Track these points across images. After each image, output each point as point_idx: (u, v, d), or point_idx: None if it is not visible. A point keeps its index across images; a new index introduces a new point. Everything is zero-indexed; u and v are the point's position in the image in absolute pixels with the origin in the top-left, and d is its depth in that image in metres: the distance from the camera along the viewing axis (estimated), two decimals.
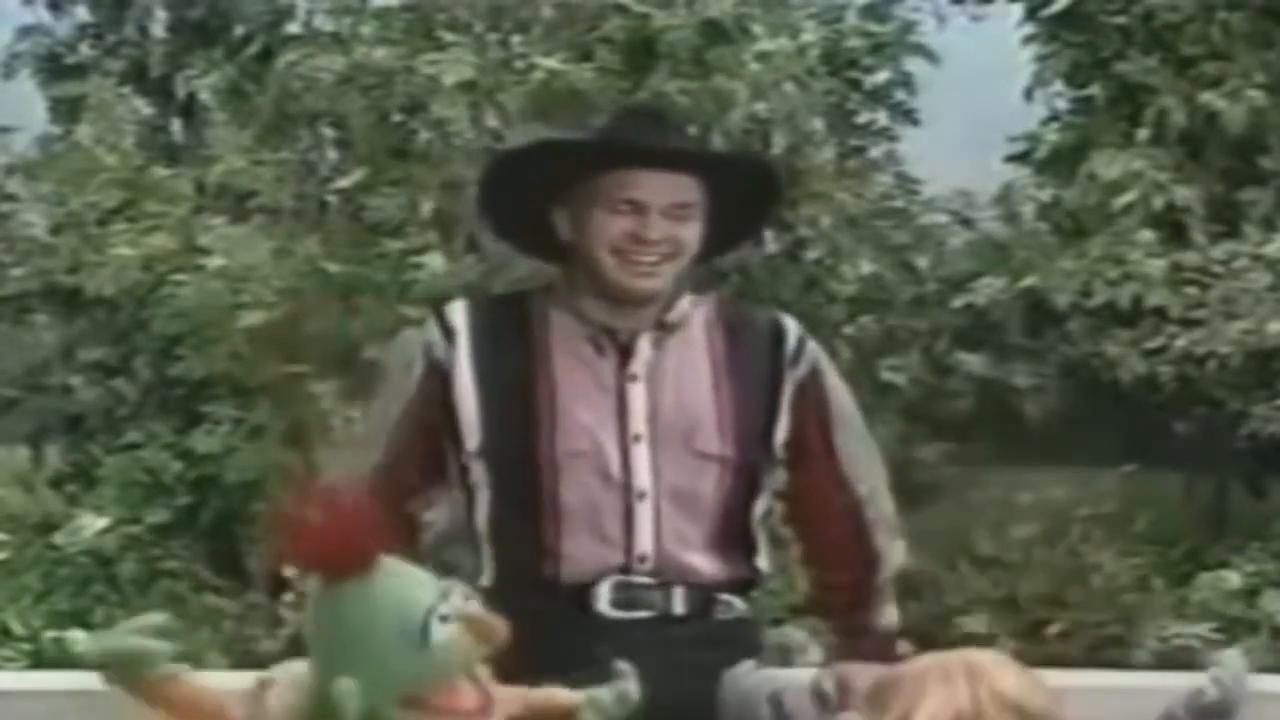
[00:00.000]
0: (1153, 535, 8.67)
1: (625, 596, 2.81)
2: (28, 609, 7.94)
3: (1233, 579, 8.09)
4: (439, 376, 2.86)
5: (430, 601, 2.32)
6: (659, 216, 2.81)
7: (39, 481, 9.56)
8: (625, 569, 2.80)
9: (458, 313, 2.91)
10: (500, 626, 2.37)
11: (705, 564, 2.85)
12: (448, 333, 2.88)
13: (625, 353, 2.86)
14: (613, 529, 2.80)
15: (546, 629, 2.78)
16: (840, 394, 2.99)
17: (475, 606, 2.39)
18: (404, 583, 2.34)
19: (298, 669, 2.44)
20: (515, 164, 2.99)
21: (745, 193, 2.90)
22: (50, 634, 7.51)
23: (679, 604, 2.83)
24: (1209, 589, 8.02)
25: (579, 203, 2.84)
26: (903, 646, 2.81)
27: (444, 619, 2.32)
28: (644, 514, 2.81)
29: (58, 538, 8.42)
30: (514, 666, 2.75)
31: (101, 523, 8.36)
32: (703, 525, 2.84)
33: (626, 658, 2.76)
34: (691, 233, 2.85)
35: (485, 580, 2.85)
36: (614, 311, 2.86)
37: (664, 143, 2.88)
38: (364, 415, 3.10)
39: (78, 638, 7.69)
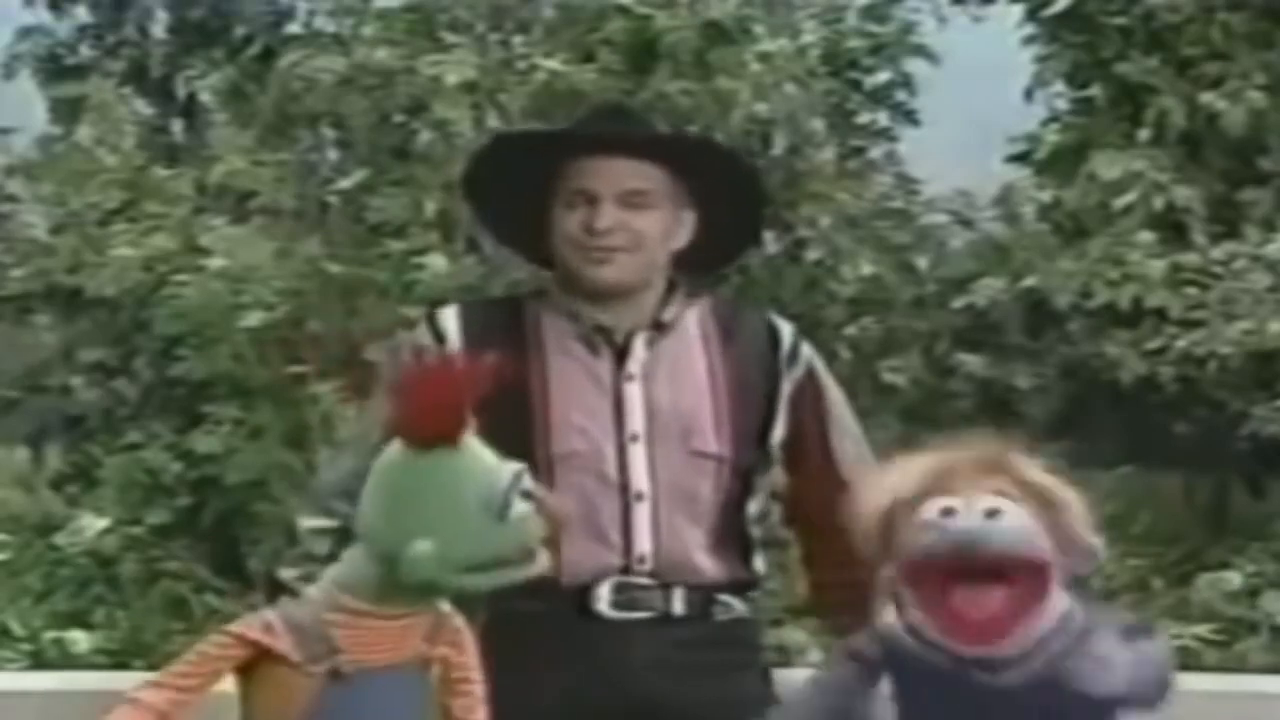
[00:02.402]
0: (1153, 535, 8.67)
1: (625, 597, 2.81)
2: (28, 609, 7.94)
3: (1233, 579, 8.08)
4: None
5: (511, 477, 2.37)
6: (611, 205, 2.82)
7: (39, 482, 9.56)
8: (625, 570, 2.81)
9: (449, 317, 2.91)
10: (566, 507, 2.45)
11: (704, 564, 2.85)
12: (438, 336, 2.89)
13: (620, 353, 2.87)
14: (611, 530, 2.80)
15: (547, 630, 2.78)
16: (835, 394, 3.00)
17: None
18: (486, 458, 2.40)
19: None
20: (486, 166, 3.00)
21: (715, 178, 2.90)
22: (50, 634, 7.51)
23: (679, 604, 2.83)
24: (1209, 589, 8.02)
25: (548, 203, 2.86)
26: None
27: (525, 495, 2.38)
28: (642, 514, 2.81)
29: (58, 538, 8.41)
30: (515, 667, 2.76)
31: (102, 523, 8.36)
32: (701, 525, 2.85)
33: (626, 658, 2.77)
34: (650, 223, 2.85)
35: None
36: (605, 311, 2.86)
37: (607, 128, 2.90)
38: (355, 419, 3.10)
39: (78, 638, 7.74)
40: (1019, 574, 2.36)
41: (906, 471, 2.45)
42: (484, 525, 2.36)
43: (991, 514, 2.36)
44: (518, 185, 2.88)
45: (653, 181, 2.85)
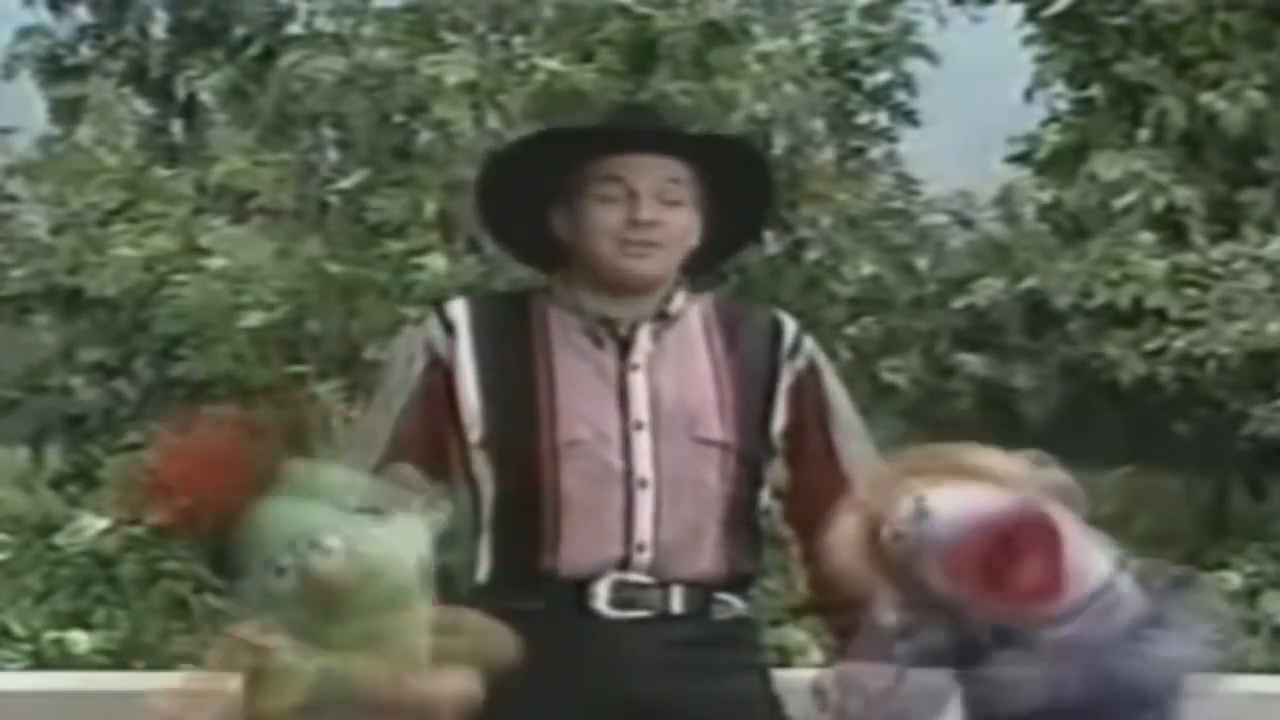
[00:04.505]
0: (1153, 535, 8.66)
1: (623, 596, 2.81)
2: (28, 610, 7.93)
3: (1233, 580, 8.09)
4: (440, 371, 2.88)
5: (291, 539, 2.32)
6: (650, 199, 2.83)
7: (39, 482, 9.55)
8: (624, 560, 2.81)
9: (458, 309, 2.93)
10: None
11: (708, 555, 2.85)
12: (448, 328, 2.90)
13: (625, 345, 2.87)
14: (612, 518, 2.80)
15: (544, 628, 2.78)
16: (838, 391, 3.01)
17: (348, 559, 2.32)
18: (270, 520, 2.35)
19: None
20: (508, 164, 3.00)
21: (735, 179, 2.91)
22: (50, 634, 7.51)
23: (678, 603, 2.83)
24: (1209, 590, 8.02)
25: (574, 200, 2.86)
26: (902, 647, 2.80)
27: (314, 548, 2.32)
28: (644, 503, 2.81)
29: (58, 538, 8.41)
30: (516, 667, 2.76)
31: (102, 523, 8.36)
32: (710, 514, 2.85)
33: (624, 657, 2.77)
34: (683, 219, 2.86)
35: (481, 576, 2.85)
36: (612, 303, 2.87)
37: (643, 124, 2.91)
38: (364, 412, 3.10)
39: (78, 638, 7.74)
40: (1019, 532, 2.35)
41: (847, 526, 2.46)
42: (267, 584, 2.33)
43: (921, 503, 2.38)
44: (536, 185, 2.88)
45: (683, 179, 2.86)
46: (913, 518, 2.39)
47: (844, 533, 2.47)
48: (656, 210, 2.84)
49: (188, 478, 2.33)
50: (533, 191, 2.89)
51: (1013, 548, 2.33)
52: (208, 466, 2.33)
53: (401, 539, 2.36)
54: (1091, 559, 2.39)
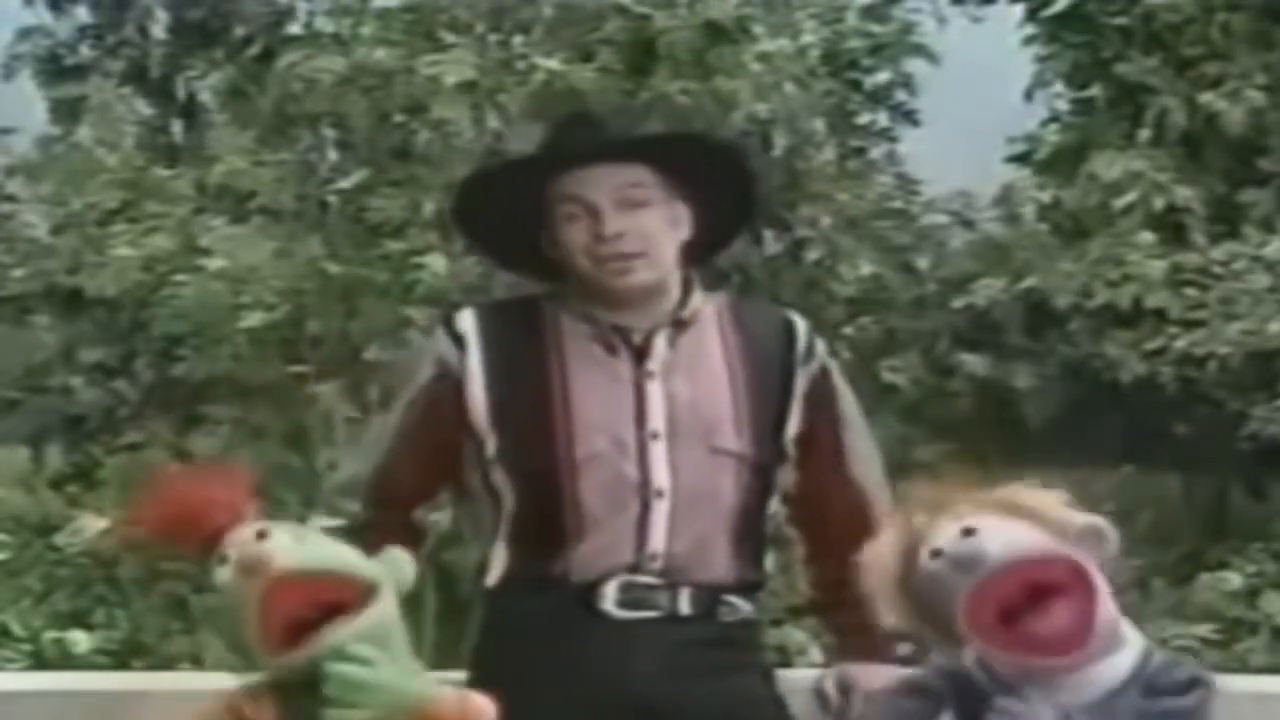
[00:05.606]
0: (1153, 535, 8.67)
1: (631, 596, 2.79)
2: (28, 610, 7.93)
3: (1233, 580, 8.09)
4: (450, 384, 2.84)
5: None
6: (611, 211, 2.80)
7: (40, 482, 9.56)
8: (634, 566, 2.79)
9: (466, 320, 2.88)
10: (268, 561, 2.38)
11: (720, 563, 2.84)
12: (458, 340, 2.86)
13: (640, 352, 2.84)
14: (627, 527, 2.78)
15: (552, 628, 2.77)
16: (846, 393, 3.00)
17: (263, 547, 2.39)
18: None
19: None
20: (471, 200, 2.96)
21: (706, 171, 2.87)
22: (50, 634, 7.51)
23: (685, 604, 2.82)
24: (1209, 590, 8.02)
25: (549, 221, 2.83)
26: (902, 647, 2.80)
27: (221, 560, 2.39)
28: (660, 512, 2.79)
29: (58, 538, 8.41)
30: (519, 665, 2.76)
31: (102, 523, 8.36)
32: (723, 524, 2.83)
33: (631, 658, 2.76)
34: (653, 220, 2.82)
35: (491, 580, 2.84)
36: (624, 313, 2.84)
37: (581, 138, 2.88)
38: (372, 420, 3.10)
39: (78, 638, 7.73)
40: (1055, 578, 2.35)
41: (888, 541, 2.46)
42: None
43: (969, 531, 2.37)
44: (507, 213, 2.85)
45: (643, 179, 2.82)
46: (956, 540, 2.38)
47: (881, 547, 2.46)
48: (621, 220, 2.78)
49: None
50: (510, 222, 2.86)
51: (1043, 593, 2.33)
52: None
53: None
54: (1117, 638, 2.40)
